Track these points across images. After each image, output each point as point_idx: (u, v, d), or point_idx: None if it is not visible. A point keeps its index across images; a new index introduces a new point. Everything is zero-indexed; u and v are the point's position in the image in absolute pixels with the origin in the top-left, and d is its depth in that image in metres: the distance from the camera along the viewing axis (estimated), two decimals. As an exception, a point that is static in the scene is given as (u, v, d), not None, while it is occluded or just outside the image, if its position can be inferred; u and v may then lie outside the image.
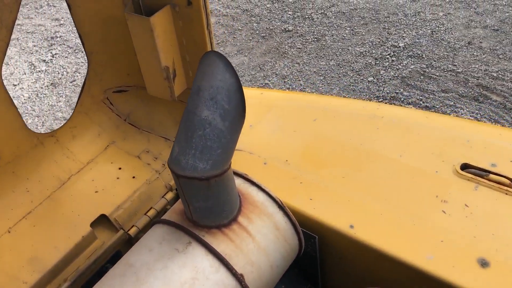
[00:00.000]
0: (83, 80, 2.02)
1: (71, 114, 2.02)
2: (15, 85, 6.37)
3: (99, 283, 1.48)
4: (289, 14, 6.64)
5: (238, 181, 1.67)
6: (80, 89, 2.01)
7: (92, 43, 1.92)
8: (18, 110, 1.77)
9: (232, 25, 6.73)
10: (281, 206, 1.65)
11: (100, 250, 1.85)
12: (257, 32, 6.50)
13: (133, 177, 2.02)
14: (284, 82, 5.69)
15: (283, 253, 1.64)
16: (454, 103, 4.89)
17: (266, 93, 2.44)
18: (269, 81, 5.74)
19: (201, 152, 1.33)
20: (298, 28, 6.37)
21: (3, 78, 1.60)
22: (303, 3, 6.79)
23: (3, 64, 2.01)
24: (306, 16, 6.53)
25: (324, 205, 1.88)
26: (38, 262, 1.75)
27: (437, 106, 4.90)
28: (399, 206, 1.82)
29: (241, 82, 5.68)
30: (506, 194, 1.78)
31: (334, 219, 1.82)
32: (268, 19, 6.66)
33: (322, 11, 6.56)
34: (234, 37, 6.51)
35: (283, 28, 6.42)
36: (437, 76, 5.24)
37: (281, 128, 2.23)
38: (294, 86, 5.59)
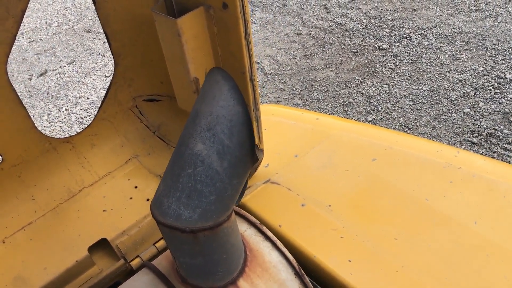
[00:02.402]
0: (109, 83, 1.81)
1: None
2: (106, 76, 6.52)
3: None
4: (386, 32, 6.15)
5: (250, 232, 1.33)
6: (104, 93, 1.80)
7: (120, 44, 1.69)
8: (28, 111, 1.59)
9: (323, 37, 6.39)
10: (298, 273, 1.28)
11: (95, 278, 1.61)
12: (349, 47, 6.10)
13: (147, 200, 1.76)
14: (370, 102, 5.24)
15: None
16: None
17: (323, 119, 2.08)
18: (353, 99, 5.32)
19: (188, 196, 1.02)
20: (393, 47, 5.88)
21: (8, 73, 1.40)
22: (403, 22, 6.26)
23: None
24: (404, 36, 6.01)
25: (365, 271, 1.49)
26: (23, 283, 1.55)
27: (544, 152, 4.20)
28: (463, 292, 1.38)
29: (323, 98, 5.30)
30: None
31: (373, 293, 1.43)
32: (362, 35, 6.23)
33: (422, 31, 6.00)
34: (323, 50, 6.16)
35: (376, 46, 5.96)
36: (548, 117, 4.53)
37: (331, 164, 1.86)
38: (380, 108, 5.12)
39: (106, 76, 6.46)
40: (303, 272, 1.30)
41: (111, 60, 6.69)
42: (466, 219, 1.57)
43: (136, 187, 1.80)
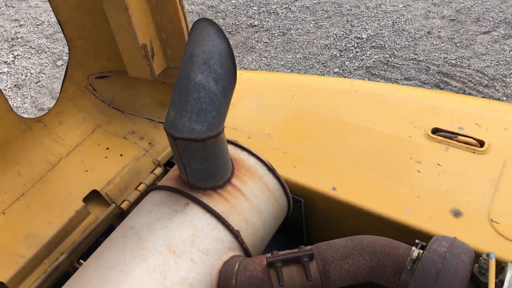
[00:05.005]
0: (66, 66, 2.07)
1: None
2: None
3: (102, 246, 1.54)
4: (254, 10, 6.76)
5: (230, 147, 1.76)
6: (63, 75, 2.06)
7: (71, 30, 1.97)
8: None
9: (198, 23, 6.80)
10: (270, 169, 1.75)
11: (93, 224, 1.90)
12: (224, 27, 6.59)
13: (121, 155, 2.08)
14: (253, 76, 5.80)
15: (274, 212, 1.74)
16: (417, 88, 5.11)
17: (245, 74, 2.54)
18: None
19: (197, 114, 1.42)
20: (263, 23, 6.50)
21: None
22: (268, -1, 6.92)
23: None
24: (271, 11, 6.67)
25: (307, 171, 1.99)
26: (34, 237, 1.79)
27: (402, 92, 5.10)
28: (377, 169, 1.95)
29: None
30: (473, 152, 1.94)
31: (317, 183, 1.94)
32: (234, 14, 6.76)
33: (287, 5, 6.71)
34: (201, 35, 6.58)
35: (249, 23, 6.53)
36: (399, 65, 5.46)
37: (262, 105, 2.33)
38: (263, 80, 5.70)
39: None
40: (273, 167, 1.76)
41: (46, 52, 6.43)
42: (369, 124, 2.15)
43: (107, 148, 2.10)
